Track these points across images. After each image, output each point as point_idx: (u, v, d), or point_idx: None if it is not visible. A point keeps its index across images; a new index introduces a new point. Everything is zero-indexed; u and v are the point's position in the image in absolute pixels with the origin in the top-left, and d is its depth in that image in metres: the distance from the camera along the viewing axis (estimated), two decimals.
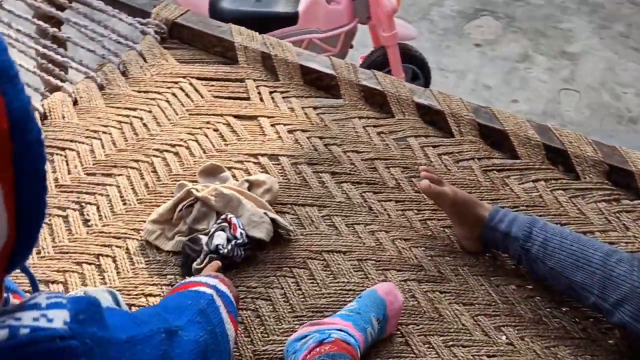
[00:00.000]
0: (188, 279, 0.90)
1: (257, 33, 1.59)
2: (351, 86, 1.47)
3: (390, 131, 1.39)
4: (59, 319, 0.45)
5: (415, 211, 1.22)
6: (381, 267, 1.11)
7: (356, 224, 1.18)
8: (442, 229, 1.20)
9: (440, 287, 1.09)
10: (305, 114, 1.41)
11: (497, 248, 1.12)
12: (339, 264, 1.10)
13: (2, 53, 0.41)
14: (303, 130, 1.37)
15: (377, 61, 2.27)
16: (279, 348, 0.96)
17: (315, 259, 1.11)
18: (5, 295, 0.50)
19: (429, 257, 1.14)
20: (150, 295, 1.01)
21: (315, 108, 1.44)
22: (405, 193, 1.26)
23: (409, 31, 2.36)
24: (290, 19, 2.17)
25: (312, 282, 1.07)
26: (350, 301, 1.02)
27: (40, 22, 1.59)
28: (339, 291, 1.06)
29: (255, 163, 1.27)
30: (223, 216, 1.07)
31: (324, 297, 1.05)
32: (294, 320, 1.01)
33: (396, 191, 1.26)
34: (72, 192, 1.16)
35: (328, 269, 1.10)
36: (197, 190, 1.09)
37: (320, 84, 1.50)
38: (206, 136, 1.31)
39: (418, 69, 2.38)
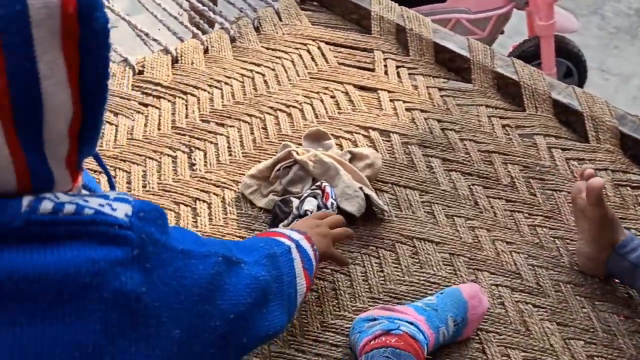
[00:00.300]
0: (273, 229, 0.89)
1: (396, 5, 1.53)
2: (484, 71, 1.37)
3: (517, 125, 1.29)
4: (122, 210, 0.48)
5: (526, 214, 1.13)
6: (473, 266, 1.04)
7: (457, 216, 1.11)
8: (552, 239, 1.09)
9: (535, 300, 1.00)
10: (429, 93, 1.35)
11: (621, 278, 1.00)
12: (428, 254, 1.05)
13: None
14: (422, 110, 1.30)
15: (529, 52, 2.12)
16: (348, 325, 0.93)
17: (404, 244, 1.06)
18: (81, 184, 0.53)
19: (530, 266, 1.05)
20: None
21: (440, 89, 1.36)
22: (518, 193, 1.16)
23: (569, 23, 2.16)
24: None
25: (396, 267, 1.03)
26: (431, 294, 0.97)
27: None
28: (422, 282, 1.01)
29: (364, 136, 1.24)
30: (318, 183, 1.05)
31: (404, 285, 1.00)
32: (368, 301, 0.97)
33: (509, 189, 1.17)
34: (185, 135, 1.20)
35: (416, 257, 1.04)
36: (297, 153, 1.08)
37: (451, 65, 1.42)
38: (322, 102, 1.30)
39: (573, 66, 2.19)
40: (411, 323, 0.85)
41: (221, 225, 1.06)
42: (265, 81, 1.33)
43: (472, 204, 1.14)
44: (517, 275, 1.03)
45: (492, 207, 1.13)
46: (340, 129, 1.24)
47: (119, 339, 0.46)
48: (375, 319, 0.88)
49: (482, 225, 1.10)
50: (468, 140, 1.25)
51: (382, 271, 1.02)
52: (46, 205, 0.45)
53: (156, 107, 1.24)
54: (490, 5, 2.06)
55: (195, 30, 1.41)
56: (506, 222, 1.11)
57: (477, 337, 0.94)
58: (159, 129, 1.20)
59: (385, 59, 1.42)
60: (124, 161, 1.14)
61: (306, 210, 1.00)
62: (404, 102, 1.32)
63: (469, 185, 1.16)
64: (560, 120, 1.29)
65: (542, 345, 0.94)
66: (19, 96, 0.43)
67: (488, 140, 1.25)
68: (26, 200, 0.44)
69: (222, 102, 1.27)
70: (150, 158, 1.15)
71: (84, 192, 0.55)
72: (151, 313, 0.49)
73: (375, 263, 1.03)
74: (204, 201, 1.09)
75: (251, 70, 1.35)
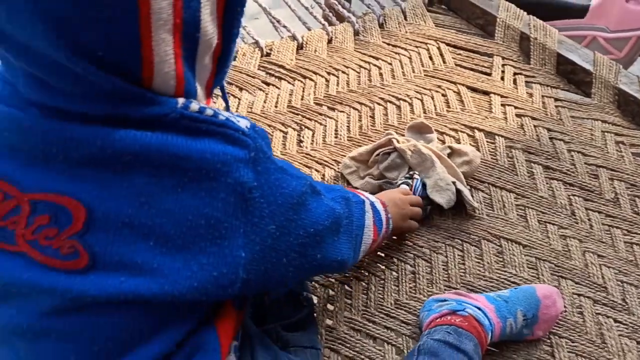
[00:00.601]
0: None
1: (524, 13, 1.53)
2: (606, 87, 1.34)
3: (632, 144, 1.25)
4: (243, 123, 0.59)
5: (625, 231, 1.09)
6: (558, 273, 1.03)
7: (550, 222, 1.10)
8: None
9: (618, 315, 0.97)
10: (543, 102, 1.34)
11: None
12: (513, 255, 1.05)
13: None
14: (533, 118, 1.30)
15: None
16: (420, 306, 0.97)
17: (491, 242, 1.07)
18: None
19: (619, 282, 1.02)
20: None
21: (556, 99, 1.35)
22: (620, 209, 1.13)
23: None
24: (578, 12, 2.02)
25: (478, 262, 1.04)
26: None
27: None
28: (502, 280, 1.02)
29: (469, 135, 1.26)
30: (412, 172, 1.10)
31: (484, 280, 1.02)
32: (445, 289, 1.00)
33: (611, 205, 1.14)
34: (297, 114, 1.29)
35: (500, 256, 1.05)
36: (397, 141, 1.13)
37: (573, 77, 1.39)
38: (432, 98, 1.33)
39: None
40: (479, 308, 0.87)
41: None
42: (381, 74, 1.39)
43: (569, 214, 1.12)
44: (602, 289, 1.01)
45: (589, 219, 1.11)
46: (445, 126, 1.27)
47: (232, 218, 0.56)
48: (445, 300, 0.91)
49: (575, 236, 1.08)
50: (576, 151, 1.23)
51: (463, 264, 1.04)
52: (194, 106, 0.56)
53: (276, 87, 1.34)
54: (631, 25, 1.97)
55: (324, 22, 1.50)
56: (602, 236, 1.09)
57: (548, 340, 0.94)
58: (275, 107, 1.30)
59: (503, 65, 1.43)
60: None
61: None
62: (515, 107, 1.32)
63: (568, 195, 1.15)
64: None
65: None
66: (187, 19, 0.52)
67: (597, 154, 1.22)
68: (180, 100, 0.55)
69: (337, 88, 1.35)
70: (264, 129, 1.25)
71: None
72: (257, 206, 0.58)
73: (458, 255, 1.05)
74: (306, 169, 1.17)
75: (369, 62, 1.42)
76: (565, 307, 0.97)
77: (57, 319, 0.54)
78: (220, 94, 0.75)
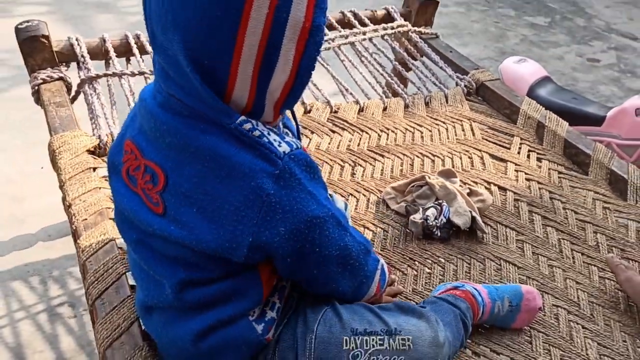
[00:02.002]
0: None
1: (542, 107, 1.90)
2: (600, 167, 1.67)
3: (616, 210, 1.56)
4: (283, 148, 0.79)
5: (600, 268, 1.39)
6: (542, 289, 1.32)
7: (541, 255, 1.41)
8: (616, 290, 1.34)
9: (586, 324, 1.25)
10: (549, 173, 1.68)
11: None
12: (509, 272, 1.36)
13: None
14: (539, 182, 1.64)
15: None
16: (428, 293, 1.27)
17: (493, 261, 1.38)
18: (281, 121, 0.89)
19: (590, 302, 1.31)
20: (365, 227, 1.42)
21: (560, 173, 1.69)
22: (599, 253, 1.43)
23: None
24: (596, 120, 2.38)
25: (481, 273, 1.35)
26: None
27: (397, 65, 2.16)
28: None
29: (486, 187, 1.60)
30: (439, 201, 1.43)
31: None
32: None
33: (592, 250, 1.44)
34: (353, 155, 1.65)
35: (499, 272, 1.36)
36: (429, 177, 1.48)
37: (576, 159, 1.74)
38: (460, 158, 1.69)
39: None
40: (475, 289, 1.18)
41: (362, 214, 1.47)
42: (422, 136, 1.77)
43: (557, 251, 1.43)
44: (576, 304, 1.30)
45: (572, 257, 1.41)
46: (468, 179, 1.62)
47: (249, 210, 0.77)
48: (449, 283, 1.22)
49: (560, 266, 1.39)
50: (570, 210, 1.55)
51: (469, 272, 1.35)
52: (247, 125, 0.77)
53: (339, 135, 1.73)
54: (639, 135, 2.31)
55: (381, 95, 1.90)
56: (581, 269, 1.38)
57: (528, 332, 1.22)
58: (337, 148, 1.68)
59: (521, 143, 1.79)
60: None
61: (427, 214, 1.38)
62: (526, 173, 1.66)
63: (559, 239, 1.46)
64: None
65: (579, 352, 1.19)
66: (265, 57, 0.73)
67: (586, 214, 1.54)
68: (240, 118, 0.77)
69: (386, 141, 1.72)
70: (326, 163, 1.61)
71: (280, 126, 0.89)
72: (272, 208, 0.78)
73: (466, 266, 1.36)
74: (354, 197, 1.52)
75: (413, 127, 1.80)
76: (543, 308, 1.26)
77: (151, 239, 0.86)
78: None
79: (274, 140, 0.79)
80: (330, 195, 1.24)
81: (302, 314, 0.96)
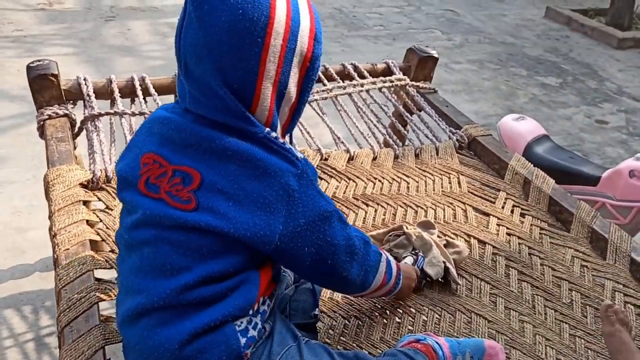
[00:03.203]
0: None
1: (531, 165, 1.93)
2: (582, 225, 1.69)
3: (594, 268, 1.57)
4: (299, 155, 0.95)
5: (572, 326, 1.39)
6: (511, 344, 1.33)
7: (513, 309, 1.42)
8: (586, 348, 1.34)
9: None
10: (530, 229, 1.70)
11: None
12: (479, 326, 1.37)
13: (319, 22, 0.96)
14: (519, 237, 1.65)
15: None
16: (395, 343, 1.29)
17: (463, 314, 1.39)
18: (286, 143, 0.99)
19: (558, 359, 1.31)
20: None
21: (542, 229, 1.70)
22: (572, 312, 1.43)
23: None
24: (591, 180, 2.40)
25: (450, 325, 1.36)
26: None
27: (392, 117, 2.21)
28: None
29: (465, 240, 1.62)
30: (415, 251, 1.46)
31: (452, 337, 1.33)
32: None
33: (565, 307, 1.45)
34: (338, 203, 1.69)
35: (469, 325, 1.37)
36: (407, 227, 1.51)
37: (559, 216, 1.76)
38: (443, 210, 1.72)
39: None
40: (436, 342, 1.19)
41: None
42: (408, 187, 1.80)
43: (530, 307, 1.44)
44: None
45: (545, 313, 1.42)
46: (448, 231, 1.64)
47: (279, 204, 0.91)
48: (413, 335, 1.23)
49: (531, 322, 1.39)
50: (547, 266, 1.56)
51: (438, 324, 1.36)
52: (274, 134, 0.93)
53: (326, 182, 1.77)
54: (632, 197, 2.31)
55: (372, 145, 1.95)
56: (552, 326, 1.39)
57: None
58: None
59: (506, 198, 1.81)
60: None
61: (404, 263, 1.41)
62: (507, 228, 1.68)
63: (533, 294, 1.47)
64: (635, 276, 1.54)
65: None
66: (281, 79, 0.91)
67: (563, 270, 1.55)
68: (267, 129, 0.93)
69: (372, 190, 1.76)
70: None
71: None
72: (295, 203, 0.92)
73: (436, 317, 1.37)
74: None
75: (400, 178, 1.84)
76: None
77: (172, 233, 0.93)
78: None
79: (291, 147, 0.95)
80: None
81: (269, 344, 1.02)
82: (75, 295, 1.21)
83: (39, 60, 1.87)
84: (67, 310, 1.18)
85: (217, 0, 0.87)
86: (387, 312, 1.37)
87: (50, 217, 1.45)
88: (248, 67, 0.89)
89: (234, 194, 0.92)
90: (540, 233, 1.69)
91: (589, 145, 3.71)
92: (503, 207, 1.78)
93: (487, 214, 1.74)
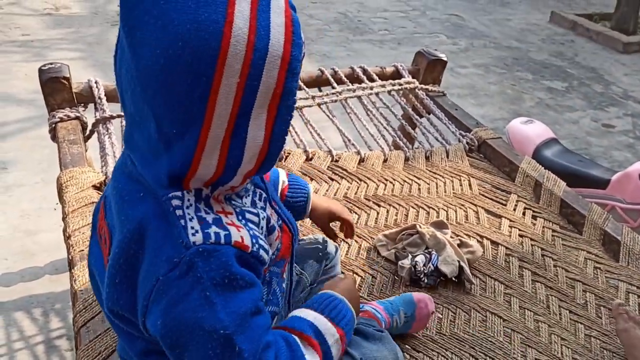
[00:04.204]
0: (300, 322, 0.89)
1: (541, 167, 1.93)
2: (595, 227, 1.69)
3: (607, 270, 1.57)
4: (197, 239, 0.73)
5: (587, 326, 1.39)
6: (526, 343, 1.32)
7: (528, 309, 1.42)
8: (601, 348, 1.34)
9: None
10: (543, 231, 1.69)
11: None
12: (494, 324, 1.36)
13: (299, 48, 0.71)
14: (531, 239, 1.65)
15: None
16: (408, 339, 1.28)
17: (478, 312, 1.39)
18: (248, 186, 0.85)
19: (574, 358, 1.30)
20: (355, 272, 1.45)
21: (554, 231, 1.70)
22: (587, 312, 1.43)
23: None
24: (600, 183, 2.40)
25: (465, 324, 1.36)
26: (485, 354, 1.28)
27: (402, 120, 2.22)
28: (481, 339, 1.32)
29: (478, 241, 1.62)
30: (428, 250, 1.46)
31: (468, 335, 1.33)
32: (439, 339, 1.31)
33: (580, 308, 1.44)
34: (350, 203, 1.69)
35: (484, 323, 1.36)
36: (420, 226, 1.51)
37: (571, 218, 1.75)
38: (455, 212, 1.72)
39: None
40: (373, 308, 1.21)
41: (353, 259, 1.50)
42: (419, 189, 1.80)
43: (545, 307, 1.43)
44: (559, 359, 1.29)
45: (560, 313, 1.42)
46: (460, 231, 1.64)
47: (147, 288, 0.74)
48: None
49: (546, 321, 1.39)
50: (560, 267, 1.56)
51: (453, 322, 1.36)
52: (175, 202, 0.75)
53: (338, 183, 1.77)
54: None
55: (383, 147, 1.95)
56: (567, 326, 1.38)
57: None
58: (334, 195, 1.72)
59: (517, 201, 1.81)
60: None
61: (416, 260, 1.41)
62: (519, 230, 1.68)
63: (547, 295, 1.47)
64: None
65: None
66: (236, 125, 0.69)
67: (577, 272, 1.55)
68: (173, 193, 0.74)
69: (384, 191, 1.76)
70: None
71: (248, 187, 0.85)
72: (160, 294, 0.73)
73: (451, 315, 1.37)
74: (347, 243, 1.55)
75: (412, 179, 1.84)
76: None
77: None
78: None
79: (192, 227, 0.74)
80: (324, 239, 1.26)
81: None
82: (92, 296, 1.21)
83: (50, 64, 1.88)
84: (84, 310, 1.18)
85: (152, 26, 0.66)
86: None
87: (64, 219, 1.45)
88: (190, 112, 0.68)
89: (121, 268, 0.77)
90: (552, 235, 1.68)
91: (596, 149, 3.71)
92: (515, 210, 1.77)
93: (499, 216, 1.73)
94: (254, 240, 0.78)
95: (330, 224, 1.26)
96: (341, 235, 1.30)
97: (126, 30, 0.69)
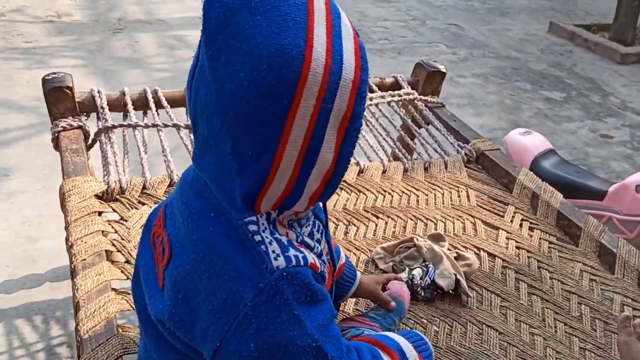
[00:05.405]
0: (389, 340, 0.98)
1: (539, 179, 1.95)
2: (591, 239, 1.71)
3: (603, 282, 1.59)
4: (279, 263, 0.76)
5: (581, 339, 1.41)
6: (521, 356, 1.34)
7: (523, 322, 1.43)
8: None
9: None
10: (539, 243, 1.71)
11: None
12: (490, 337, 1.38)
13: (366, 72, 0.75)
14: (528, 251, 1.67)
15: None
16: None
17: (475, 325, 1.41)
18: (311, 210, 0.87)
19: None
20: None
21: (550, 243, 1.72)
22: (581, 324, 1.45)
23: None
24: (597, 194, 2.42)
25: (462, 336, 1.37)
26: None
27: (401, 131, 2.24)
28: (477, 352, 1.34)
29: (475, 253, 1.63)
30: (425, 263, 1.48)
31: (464, 349, 1.34)
32: (435, 352, 1.33)
33: (575, 321, 1.46)
34: (348, 215, 1.71)
35: (480, 336, 1.38)
36: (417, 239, 1.53)
37: (567, 230, 1.77)
38: (453, 223, 1.74)
39: None
40: (371, 329, 1.16)
41: None
42: (418, 200, 1.82)
43: (540, 320, 1.45)
44: None
45: (555, 326, 1.43)
46: (458, 243, 1.66)
47: (225, 316, 0.75)
48: (342, 330, 1.14)
49: (542, 334, 1.41)
50: (556, 279, 1.58)
51: (450, 335, 1.37)
52: (252, 227, 0.76)
53: (337, 194, 1.79)
54: (639, 211, 2.33)
55: (382, 157, 1.98)
56: (562, 339, 1.40)
57: None
58: (333, 207, 1.74)
59: (514, 212, 1.83)
60: None
61: (413, 274, 1.43)
62: (516, 242, 1.70)
63: (543, 307, 1.48)
64: None
65: None
66: (310, 146, 0.72)
67: (572, 284, 1.56)
68: (250, 217, 0.76)
69: (382, 203, 1.78)
70: None
71: (310, 215, 0.87)
72: (250, 320, 0.75)
73: (448, 328, 1.39)
74: (347, 253, 1.57)
75: (410, 191, 1.86)
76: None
77: None
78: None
79: (273, 251, 0.76)
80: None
81: None
82: (94, 305, 1.22)
83: (54, 73, 1.90)
84: (86, 319, 1.20)
85: (238, 49, 0.68)
86: (401, 323, 1.38)
87: (66, 228, 1.47)
88: (268, 133, 0.71)
89: (185, 288, 0.79)
90: (549, 247, 1.70)
91: (594, 160, 3.73)
92: (512, 221, 1.79)
93: (496, 228, 1.75)
94: (319, 262, 0.83)
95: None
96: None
97: (209, 54, 0.71)
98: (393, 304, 1.22)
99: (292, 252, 0.77)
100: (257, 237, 0.76)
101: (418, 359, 0.95)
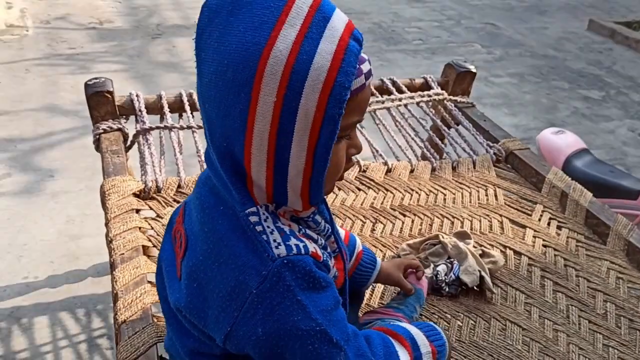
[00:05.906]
0: (401, 328, 1.01)
1: (568, 178, 1.95)
2: (619, 238, 1.71)
3: (630, 280, 1.59)
4: (280, 252, 0.80)
5: (605, 336, 1.42)
6: (543, 352, 1.36)
7: (547, 319, 1.45)
8: (619, 358, 1.36)
9: None
10: (567, 242, 1.72)
11: None
12: (513, 333, 1.40)
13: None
14: (555, 249, 1.68)
15: None
16: None
17: (498, 321, 1.43)
18: (314, 211, 0.89)
19: None
20: None
21: (578, 241, 1.73)
22: (607, 322, 1.45)
23: None
24: (631, 194, 2.40)
25: (485, 332, 1.40)
26: (503, 358, 1.32)
27: (430, 132, 2.27)
28: (499, 347, 1.36)
29: (501, 251, 1.65)
30: (450, 259, 1.51)
31: (487, 343, 1.37)
32: (458, 346, 1.36)
33: (600, 318, 1.47)
34: (376, 212, 1.75)
35: (503, 332, 1.41)
36: (443, 236, 1.56)
37: (596, 229, 1.78)
38: (479, 222, 1.76)
39: None
40: (397, 320, 1.20)
41: None
42: (445, 199, 1.85)
43: (564, 316, 1.46)
44: None
45: (579, 323, 1.45)
46: (484, 242, 1.68)
47: (234, 303, 0.80)
48: (369, 322, 1.19)
49: (565, 331, 1.42)
50: (582, 277, 1.58)
51: (473, 330, 1.40)
52: (254, 218, 0.81)
53: (365, 193, 1.84)
54: None
55: (410, 157, 2.01)
56: (586, 336, 1.41)
57: None
58: (361, 205, 1.78)
59: (543, 211, 1.84)
60: None
61: (438, 270, 1.46)
62: (543, 240, 1.71)
63: (567, 304, 1.50)
64: None
65: None
66: (278, 142, 0.74)
67: (599, 282, 1.57)
68: (251, 208, 0.81)
69: (410, 201, 1.82)
70: (348, 218, 1.72)
71: (317, 216, 0.89)
72: (256, 306, 0.79)
73: (471, 323, 1.42)
74: (373, 249, 1.61)
75: (437, 189, 1.89)
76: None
77: None
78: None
79: (274, 240, 0.80)
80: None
81: None
82: (131, 296, 1.30)
83: (95, 78, 1.99)
84: (124, 309, 1.27)
85: (211, 48, 0.75)
86: (423, 317, 1.42)
87: (106, 224, 1.55)
88: (234, 126, 0.75)
89: (199, 277, 0.85)
90: (576, 245, 1.71)
91: (632, 159, 3.67)
92: (539, 220, 1.80)
93: (524, 226, 1.77)
94: (322, 252, 0.86)
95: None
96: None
97: (196, 53, 0.78)
98: (412, 289, 1.28)
99: (293, 241, 0.81)
100: (259, 227, 0.81)
101: (430, 347, 0.99)
